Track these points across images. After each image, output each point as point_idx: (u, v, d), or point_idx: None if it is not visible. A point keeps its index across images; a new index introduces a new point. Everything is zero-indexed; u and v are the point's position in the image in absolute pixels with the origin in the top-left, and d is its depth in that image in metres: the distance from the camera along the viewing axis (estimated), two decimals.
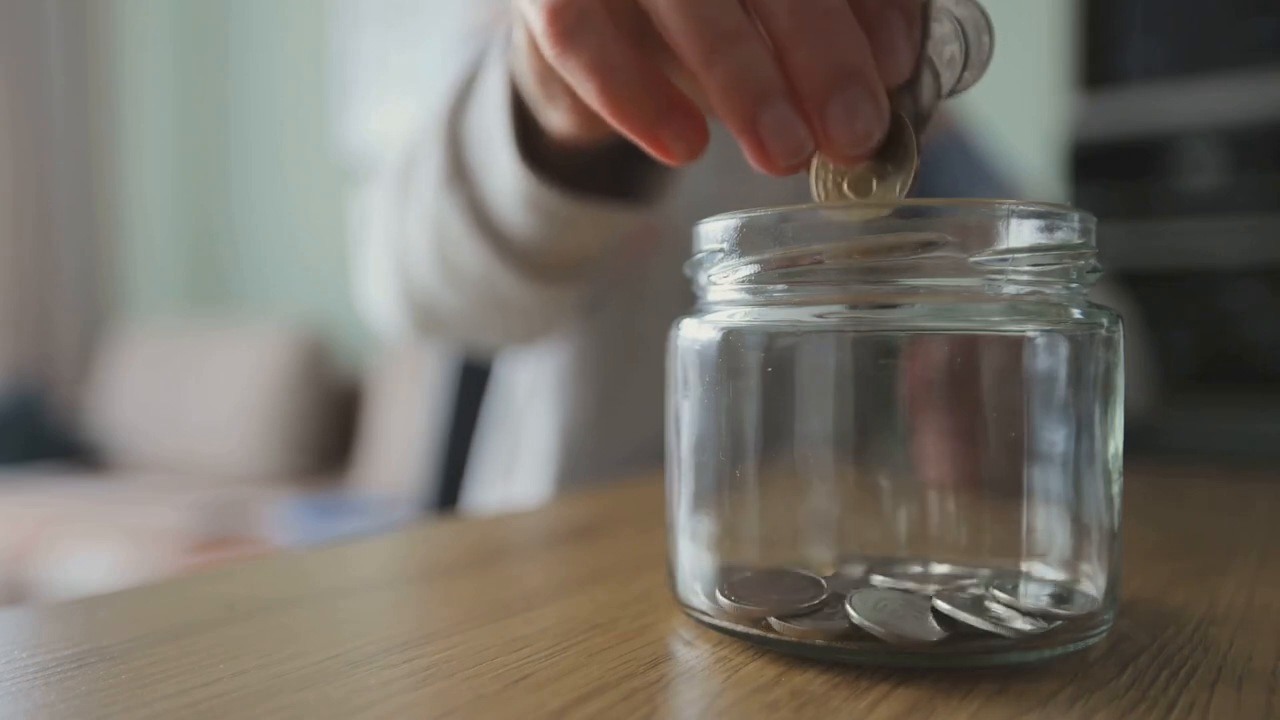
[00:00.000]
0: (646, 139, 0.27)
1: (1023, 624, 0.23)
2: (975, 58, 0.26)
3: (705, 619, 0.25)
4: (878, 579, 0.26)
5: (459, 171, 0.48)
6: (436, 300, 0.56)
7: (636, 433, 0.66)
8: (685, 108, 0.26)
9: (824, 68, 0.23)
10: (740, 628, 0.24)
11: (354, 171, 2.58)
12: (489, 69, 0.44)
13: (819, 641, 0.23)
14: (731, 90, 0.24)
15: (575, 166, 0.43)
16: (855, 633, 0.22)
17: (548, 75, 0.35)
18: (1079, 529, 0.24)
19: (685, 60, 0.25)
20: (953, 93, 0.27)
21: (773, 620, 0.23)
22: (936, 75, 0.26)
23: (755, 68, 0.24)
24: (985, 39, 0.26)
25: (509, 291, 0.51)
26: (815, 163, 0.26)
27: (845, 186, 0.26)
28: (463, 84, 0.48)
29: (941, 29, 0.26)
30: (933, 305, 0.23)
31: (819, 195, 0.26)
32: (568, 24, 0.27)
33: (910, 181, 0.25)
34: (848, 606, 0.23)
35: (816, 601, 0.24)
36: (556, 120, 0.38)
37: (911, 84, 0.25)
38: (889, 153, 0.25)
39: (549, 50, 0.27)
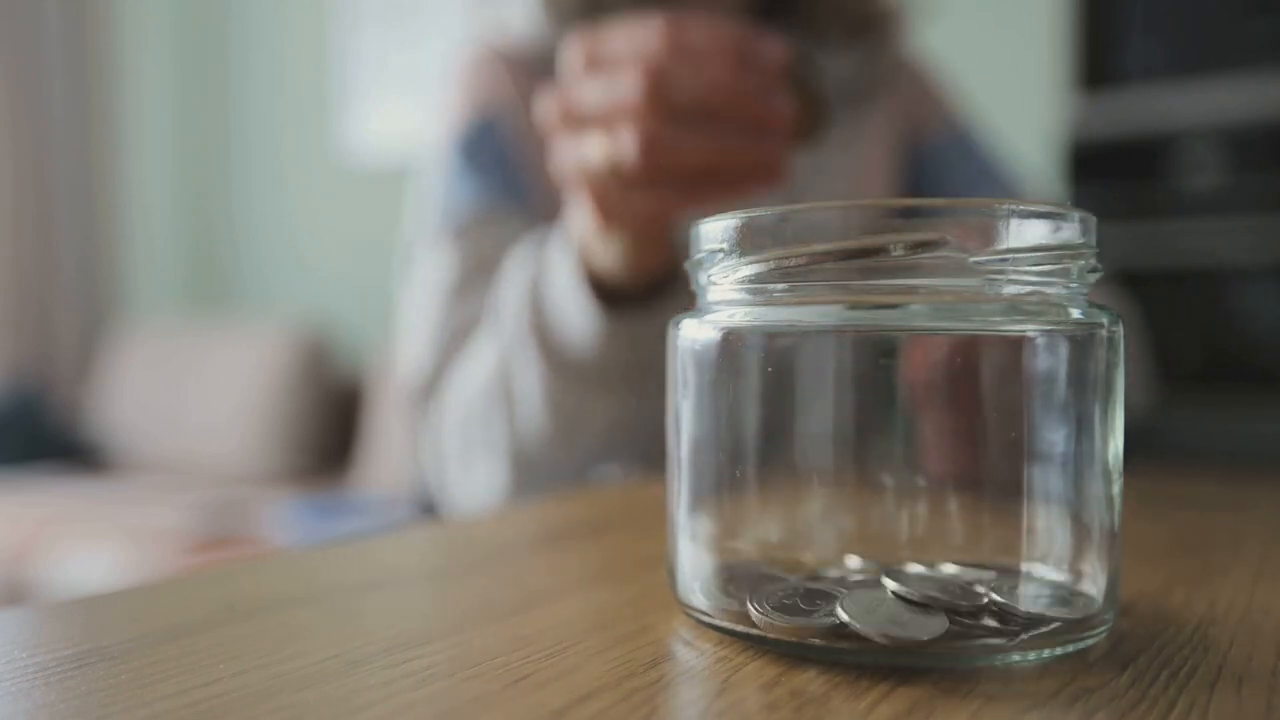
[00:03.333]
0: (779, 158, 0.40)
1: (1020, 623, 0.23)
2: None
3: (705, 619, 0.25)
4: (877, 579, 0.26)
5: (562, 369, 0.55)
6: (544, 465, 0.61)
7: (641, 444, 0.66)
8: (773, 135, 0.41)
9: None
10: (740, 628, 0.24)
11: (354, 172, 2.58)
12: (549, 284, 0.54)
13: (817, 641, 0.23)
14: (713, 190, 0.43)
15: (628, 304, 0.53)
16: (850, 633, 0.22)
17: (609, 220, 0.47)
18: (1079, 529, 0.24)
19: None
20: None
21: (771, 620, 0.23)
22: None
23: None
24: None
25: (610, 423, 0.58)
26: None
27: None
28: (528, 303, 0.56)
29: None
30: (933, 305, 0.23)
31: None
32: (657, 150, 0.40)
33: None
34: (838, 608, 0.23)
35: (815, 599, 0.24)
36: (612, 259, 0.50)
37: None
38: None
39: (648, 167, 0.41)
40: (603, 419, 0.58)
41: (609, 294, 0.53)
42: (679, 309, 0.52)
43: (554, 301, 0.54)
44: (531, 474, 0.61)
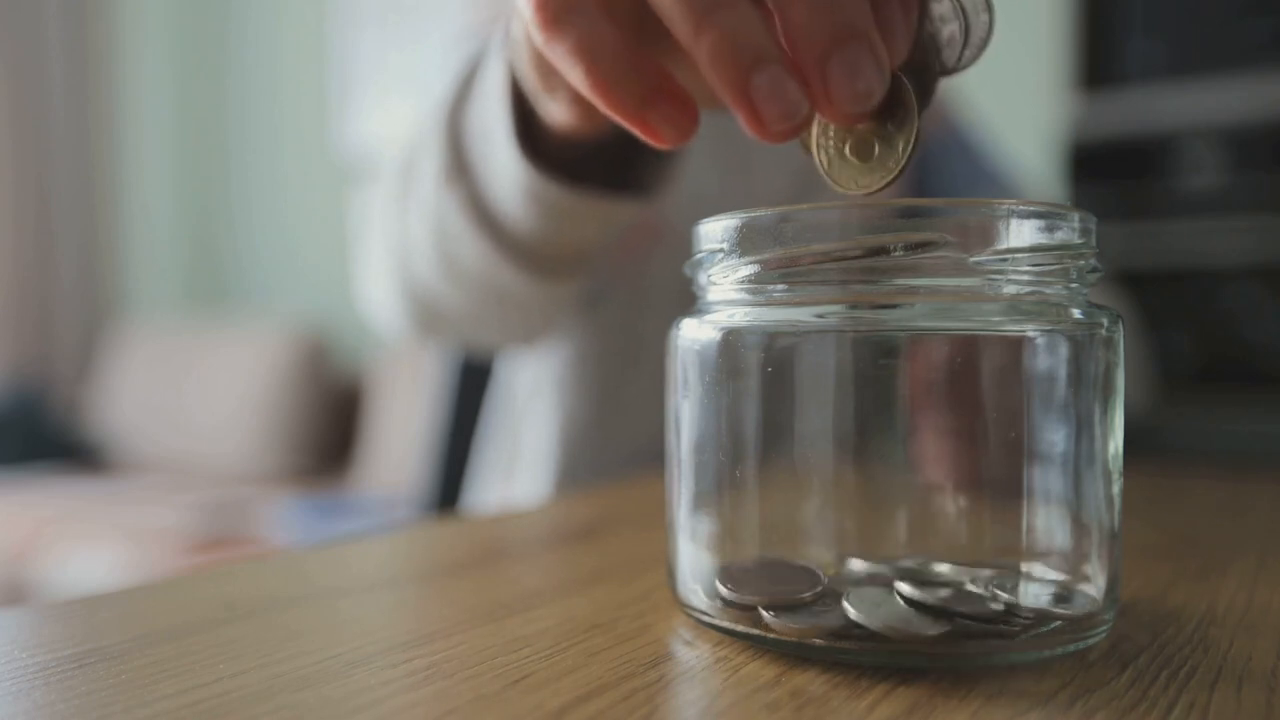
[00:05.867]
0: (633, 122, 0.27)
1: (1021, 623, 0.23)
2: (974, 37, 0.26)
3: (705, 619, 0.25)
4: (877, 579, 0.26)
5: (460, 166, 0.48)
6: (437, 297, 0.56)
7: (636, 434, 0.66)
8: (673, 91, 0.26)
9: (825, 25, 0.23)
10: (740, 627, 0.24)
11: (354, 171, 2.58)
12: (488, 64, 0.45)
13: (818, 640, 0.23)
14: (720, 55, 0.23)
15: (575, 159, 0.43)
16: (853, 630, 0.22)
17: (545, 66, 0.36)
18: (1079, 529, 0.24)
19: (676, 33, 0.25)
20: (952, 72, 0.27)
21: (770, 617, 0.23)
22: (936, 53, 0.26)
23: (744, 31, 0.23)
24: (984, 17, 0.26)
25: (509, 286, 0.51)
26: (815, 130, 0.26)
27: (847, 150, 0.25)
28: (462, 80, 0.49)
29: (940, 7, 0.26)
30: (933, 305, 0.23)
31: (820, 163, 0.26)
32: (556, 9, 0.27)
33: (913, 143, 0.24)
34: (845, 604, 0.23)
35: (814, 598, 0.24)
36: (556, 112, 0.38)
37: (910, 63, 0.25)
38: (889, 113, 0.24)
39: (538, 36, 0.28)
40: (491, 270, 0.50)
41: (542, 150, 0.43)
42: (612, 216, 0.46)
43: (478, 117, 0.46)
44: (422, 295, 0.56)
